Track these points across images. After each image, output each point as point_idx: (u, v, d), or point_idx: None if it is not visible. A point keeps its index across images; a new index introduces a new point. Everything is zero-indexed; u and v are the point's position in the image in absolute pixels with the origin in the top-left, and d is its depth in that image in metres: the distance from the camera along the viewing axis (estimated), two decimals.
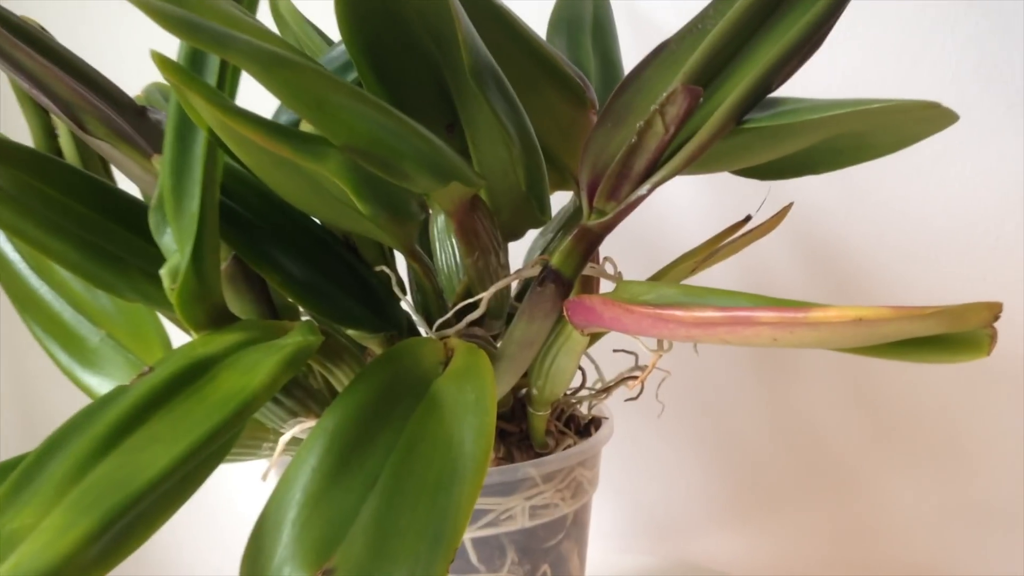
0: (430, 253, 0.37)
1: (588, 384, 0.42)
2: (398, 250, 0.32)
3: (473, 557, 0.36)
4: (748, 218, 0.33)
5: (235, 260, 0.31)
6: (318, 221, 0.33)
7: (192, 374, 0.26)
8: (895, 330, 0.22)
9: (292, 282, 0.31)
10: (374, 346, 0.34)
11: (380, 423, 0.27)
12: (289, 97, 0.22)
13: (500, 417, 0.39)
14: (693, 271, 0.34)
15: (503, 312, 0.35)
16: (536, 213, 0.34)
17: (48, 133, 0.35)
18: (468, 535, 0.36)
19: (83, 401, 0.26)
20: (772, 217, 0.33)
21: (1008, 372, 0.57)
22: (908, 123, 0.26)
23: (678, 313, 0.24)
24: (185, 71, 0.21)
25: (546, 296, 0.30)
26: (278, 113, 0.39)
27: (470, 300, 0.32)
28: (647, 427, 0.65)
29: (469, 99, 0.31)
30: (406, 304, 0.34)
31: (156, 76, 0.27)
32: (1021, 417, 0.57)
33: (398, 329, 0.34)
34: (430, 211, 0.38)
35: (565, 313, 0.29)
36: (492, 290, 0.32)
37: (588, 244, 0.29)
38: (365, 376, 0.28)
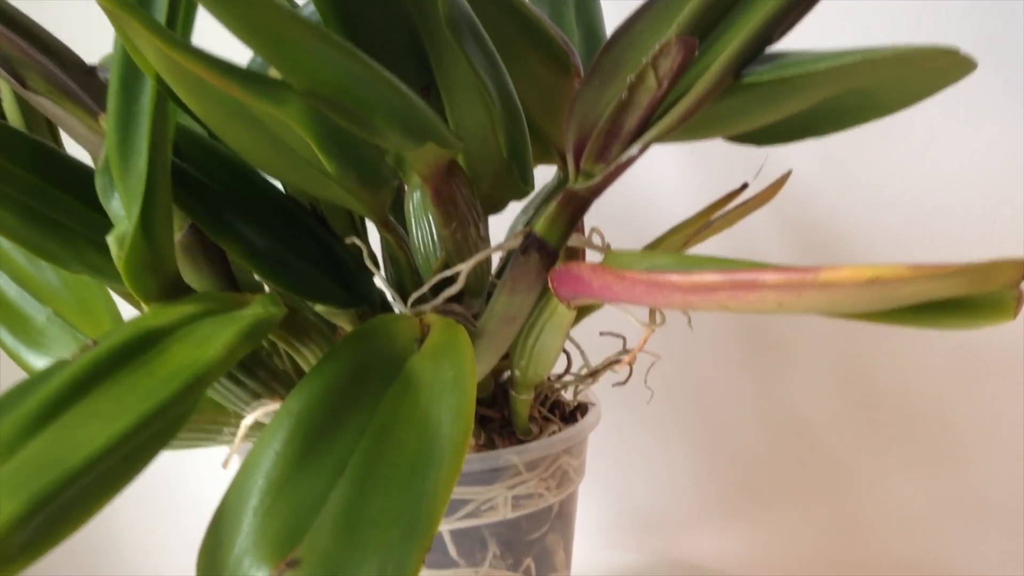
0: (406, 231, 0.35)
1: (573, 370, 0.39)
2: (370, 219, 0.30)
3: (452, 550, 0.33)
4: (745, 186, 0.31)
5: (192, 230, 0.29)
6: (283, 189, 0.31)
7: (140, 346, 0.23)
8: (913, 291, 0.20)
9: (254, 253, 0.29)
10: (344, 323, 0.32)
11: (350, 404, 0.25)
12: (246, 32, 0.20)
13: (481, 402, 0.37)
14: (685, 244, 0.32)
15: (483, 289, 0.33)
16: (518, 182, 0.32)
17: None
18: (447, 527, 0.33)
19: None
20: (769, 186, 0.31)
21: (1003, 364, 0.55)
22: (919, 75, 0.24)
23: (674, 278, 0.22)
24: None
25: (530, 266, 0.28)
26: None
27: (447, 272, 0.30)
28: (634, 420, 0.63)
29: (445, 55, 0.28)
30: (379, 279, 0.32)
31: None
32: (1017, 411, 0.55)
33: (370, 305, 0.32)
34: (405, 186, 0.36)
35: (550, 284, 0.27)
36: (472, 262, 0.29)
37: (574, 210, 0.27)
38: (334, 355, 0.26)
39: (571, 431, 0.36)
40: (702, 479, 0.63)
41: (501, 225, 0.40)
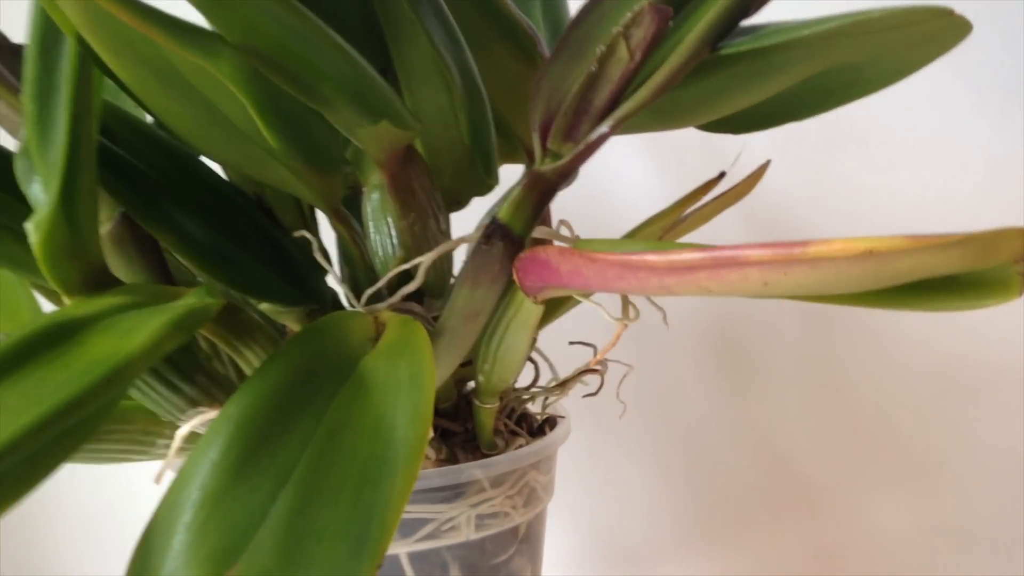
0: (364, 235, 0.33)
1: (541, 384, 0.37)
2: (320, 208, 0.27)
3: (410, 574, 0.31)
4: (722, 175, 0.29)
5: (124, 219, 0.26)
6: (226, 177, 0.28)
7: (55, 338, 0.21)
8: (912, 265, 0.19)
9: (192, 245, 0.26)
10: (292, 323, 0.30)
11: (297, 409, 0.23)
12: None
13: (443, 415, 0.35)
14: (658, 240, 0.31)
15: (444, 290, 0.31)
16: (481, 174, 0.30)
17: None
18: (404, 549, 0.31)
19: None
20: (746, 179, 0.30)
21: (985, 385, 0.54)
22: (909, 44, 0.23)
23: (650, 258, 0.20)
24: None
25: (493, 256, 0.25)
26: None
27: (405, 266, 0.27)
28: (607, 444, 0.61)
29: (403, 31, 0.26)
30: (332, 276, 0.30)
31: None
32: (1000, 432, 0.54)
33: (320, 304, 0.29)
34: (363, 188, 0.33)
35: (515, 275, 0.25)
36: (432, 255, 0.27)
37: (540, 194, 0.25)
38: (280, 356, 0.24)
39: (539, 444, 0.33)
40: (677, 504, 0.61)
41: (467, 228, 0.38)
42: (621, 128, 0.30)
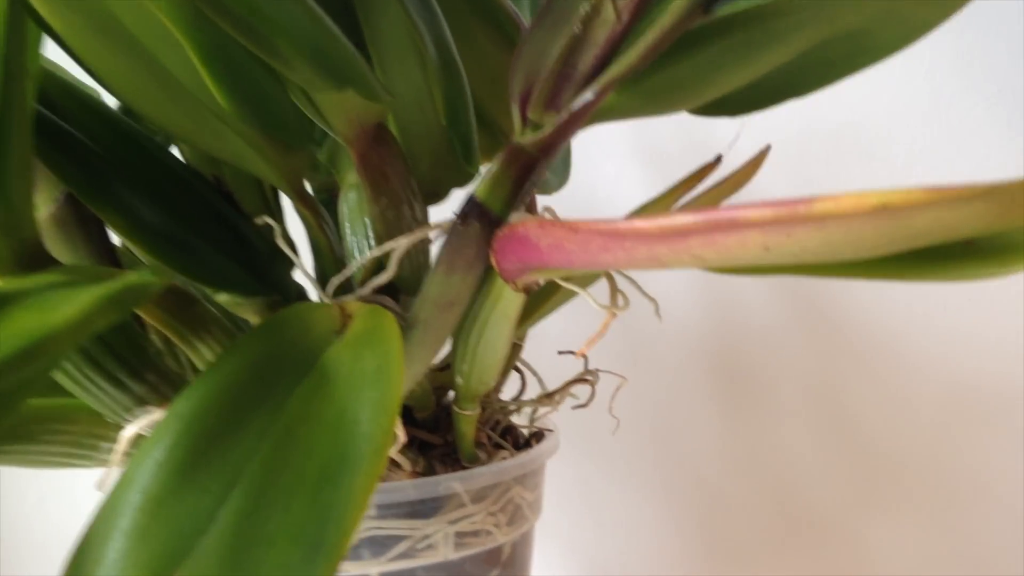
0: (339, 237, 0.31)
1: (528, 396, 0.35)
2: (282, 189, 0.25)
3: None
4: (719, 159, 0.27)
5: (68, 200, 0.24)
6: (181, 159, 0.26)
7: None
8: (930, 222, 0.16)
9: (142, 229, 0.24)
10: (252, 316, 0.27)
11: (253, 405, 0.21)
12: None
13: (421, 426, 0.32)
14: None
15: (418, 284, 0.28)
16: (460, 161, 0.28)
17: None
18: (376, 569, 0.28)
19: None
20: (746, 164, 0.28)
21: (998, 412, 0.52)
22: (916, 5, 0.21)
23: (639, 224, 0.18)
24: None
25: (469, 237, 0.23)
26: None
27: (376, 252, 0.25)
28: (600, 472, 0.58)
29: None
30: (297, 266, 0.27)
31: None
32: (1013, 460, 0.51)
33: (283, 295, 0.27)
34: (340, 187, 0.31)
35: (492, 259, 0.23)
36: (405, 241, 0.25)
37: (521, 169, 0.23)
38: (237, 349, 0.22)
39: (525, 457, 0.31)
40: (674, 536, 0.58)
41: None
42: (611, 114, 0.29)
